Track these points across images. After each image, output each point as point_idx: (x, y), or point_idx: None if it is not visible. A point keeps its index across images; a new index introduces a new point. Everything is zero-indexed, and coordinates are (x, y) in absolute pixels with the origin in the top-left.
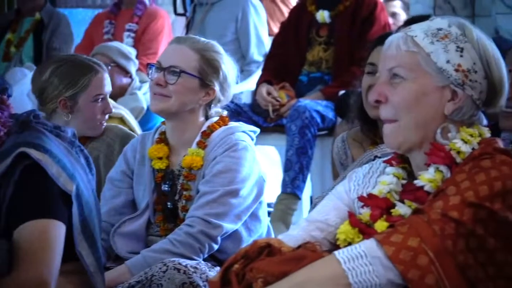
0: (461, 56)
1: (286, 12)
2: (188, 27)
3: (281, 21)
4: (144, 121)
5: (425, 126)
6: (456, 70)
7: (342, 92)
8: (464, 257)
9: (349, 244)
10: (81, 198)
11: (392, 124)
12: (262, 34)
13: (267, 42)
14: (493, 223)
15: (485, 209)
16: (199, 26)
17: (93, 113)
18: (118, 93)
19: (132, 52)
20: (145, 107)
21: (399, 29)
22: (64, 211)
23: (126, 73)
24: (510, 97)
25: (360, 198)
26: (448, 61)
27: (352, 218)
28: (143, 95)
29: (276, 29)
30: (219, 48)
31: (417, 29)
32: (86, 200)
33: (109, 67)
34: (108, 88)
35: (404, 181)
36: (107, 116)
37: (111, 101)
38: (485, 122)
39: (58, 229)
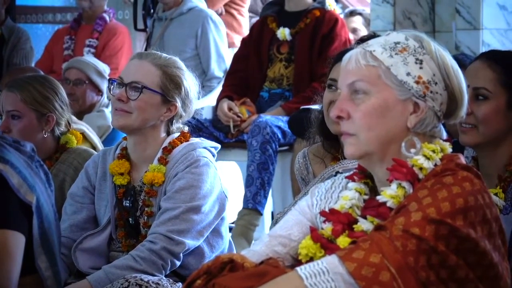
0: (421, 68)
1: (243, 22)
2: (148, 42)
3: (238, 32)
4: (110, 139)
5: (388, 140)
6: (417, 82)
7: (302, 107)
8: (425, 274)
9: (311, 259)
10: (41, 211)
11: (352, 137)
12: (222, 50)
13: (228, 57)
14: (454, 239)
15: (446, 225)
16: (158, 42)
17: None
18: (86, 109)
19: (106, 70)
20: (112, 126)
21: (356, 44)
22: (23, 223)
23: (98, 91)
24: (468, 113)
25: (322, 213)
26: (408, 74)
27: (314, 233)
28: (110, 113)
29: (235, 40)
30: (181, 64)
31: (374, 44)
32: (46, 213)
33: (84, 84)
34: None
35: (366, 197)
36: None
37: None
38: (445, 135)
39: (18, 240)
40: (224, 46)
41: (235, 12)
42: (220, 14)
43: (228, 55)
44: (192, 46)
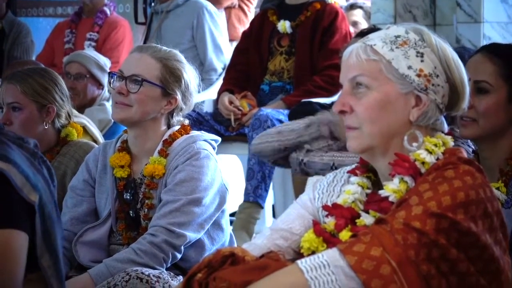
0: (422, 61)
1: (249, 18)
2: (146, 36)
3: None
4: (111, 133)
5: (390, 134)
6: (418, 76)
7: (303, 101)
8: (426, 267)
9: (313, 252)
10: (43, 209)
11: (355, 131)
12: (219, 40)
13: (227, 49)
14: (455, 233)
15: (447, 219)
16: (155, 35)
17: None
18: (87, 103)
19: (107, 64)
20: (113, 120)
21: (356, 37)
22: (26, 222)
23: (99, 85)
24: (469, 107)
25: (325, 207)
26: (409, 67)
27: (317, 227)
28: (111, 107)
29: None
30: (181, 57)
31: (375, 38)
32: (48, 211)
33: (85, 79)
34: None
35: (368, 191)
36: None
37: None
38: (446, 127)
39: (21, 239)
40: (221, 37)
41: (245, 8)
42: (233, 7)
43: (231, 49)
44: (188, 37)
